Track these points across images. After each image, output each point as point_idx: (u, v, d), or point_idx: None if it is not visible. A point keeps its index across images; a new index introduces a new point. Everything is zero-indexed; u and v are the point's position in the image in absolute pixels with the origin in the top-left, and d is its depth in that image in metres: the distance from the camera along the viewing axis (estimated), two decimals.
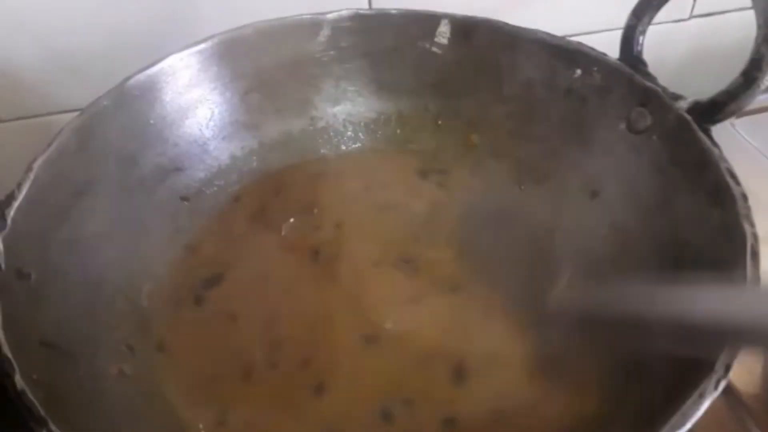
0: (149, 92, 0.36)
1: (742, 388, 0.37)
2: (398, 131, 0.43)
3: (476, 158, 0.41)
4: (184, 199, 0.38)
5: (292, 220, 0.38)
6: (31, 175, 0.30)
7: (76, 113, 0.34)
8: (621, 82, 0.35)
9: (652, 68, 0.53)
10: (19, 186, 0.29)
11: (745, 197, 0.27)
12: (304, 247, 0.37)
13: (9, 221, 0.28)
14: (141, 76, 0.36)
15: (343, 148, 0.43)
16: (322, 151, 0.42)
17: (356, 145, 0.43)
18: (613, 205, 0.35)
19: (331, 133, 0.43)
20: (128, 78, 0.36)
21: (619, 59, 0.35)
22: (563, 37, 0.37)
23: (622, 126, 0.35)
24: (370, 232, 0.37)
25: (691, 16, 0.58)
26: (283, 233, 0.37)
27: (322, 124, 0.43)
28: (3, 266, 0.26)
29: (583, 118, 0.37)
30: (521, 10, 0.48)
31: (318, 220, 0.38)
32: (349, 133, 0.43)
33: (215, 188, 0.40)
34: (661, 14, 0.57)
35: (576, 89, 0.37)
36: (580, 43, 0.37)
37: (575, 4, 0.51)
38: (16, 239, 0.27)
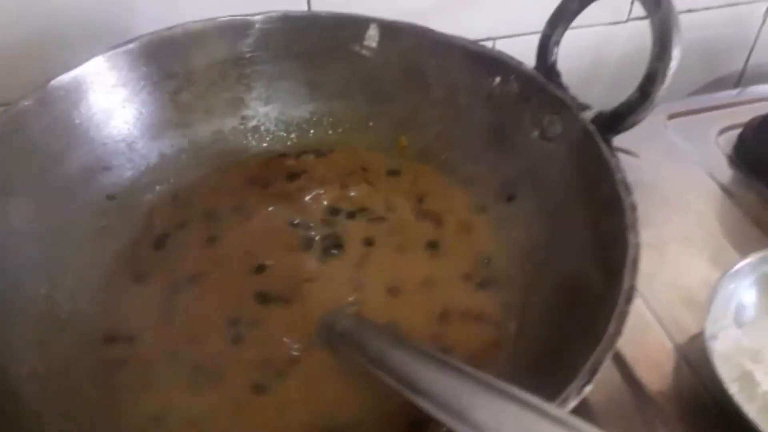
0: (74, 92, 0.37)
1: (651, 387, 0.39)
2: (330, 132, 0.43)
3: (404, 159, 0.42)
4: (110, 197, 0.39)
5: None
6: None
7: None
8: (535, 90, 0.36)
9: (592, 70, 0.54)
10: None
11: (633, 207, 0.29)
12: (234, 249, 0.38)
13: None
14: (66, 77, 0.36)
15: (275, 147, 0.43)
16: (253, 150, 0.43)
17: (288, 145, 0.43)
18: (525, 209, 0.37)
19: (263, 132, 0.43)
20: (51, 78, 0.36)
21: (535, 68, 0.37)
22: (484, 45, 0.39)
23: (536, 133, 0.36)
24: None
25: (629, 19, 0.59)
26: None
27: (254, 123, 0.43)
28: None
29: (502, 124, 0.38)
30: (450, 14, 0.49)
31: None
32: (282, 132, 0.43)
33: (143, 186, 0.40)
34: (599, 16, 0.59)
35: (495, 96, 0.38)
36: (499, 52, 0.38)
37: (500, 8, 0.52)
38: None
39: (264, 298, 0.35)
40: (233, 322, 0.34)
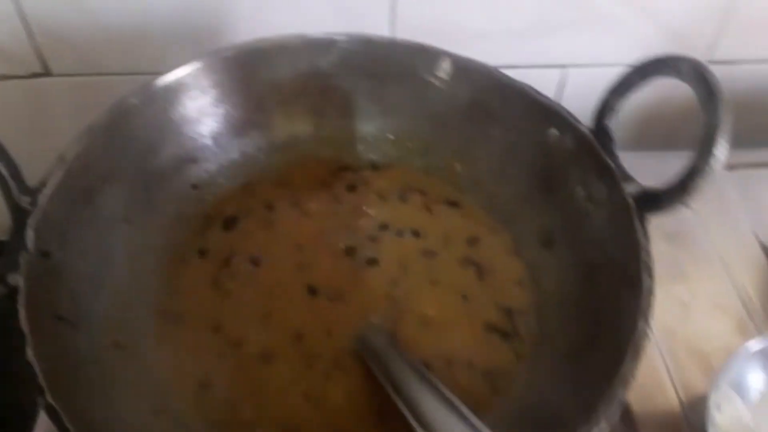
0: (174, 92, 0.41)
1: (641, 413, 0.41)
2: (393, 150, 0.47)
3: (456, 185, 0.46)
4: (194, 187, 0.44)
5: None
6: (63, 165, 0.35)
7: (122, 76, 0.40)
8: (587, 152, 0.38)
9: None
10: (51, 174, 0.35)
11: (650, 292, 0.31)
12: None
13: (40, 206, 0.33)
14: (169, 77, 0.41)
15: (343, 156, 0.47)
16: (322, 156, 0.47)
17: (354, 156, 0.47)
18: (560, 260, 0.40)
19: (333, 141, 0.47)
20: (156, 78, 0.40)
21: (591, 130, 0.39)
22: (547, 96, 0.41)
23: (582, 192, 0.39)
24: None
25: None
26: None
27: (326, 133, 0.47)
28: (31, 248, 0.32)
29: (552, 174, 0.41)
30: (527, 37, 0.51)
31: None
32: (349, 144, 0.47)
33: (222, 179, 0.45)
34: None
35: (550, 146, 0.41)
36: (560, 106, 0.40)
37: (576, 36, 0.54)
38: (44, 224, 0.33)
39: (313, 291, 0.40)
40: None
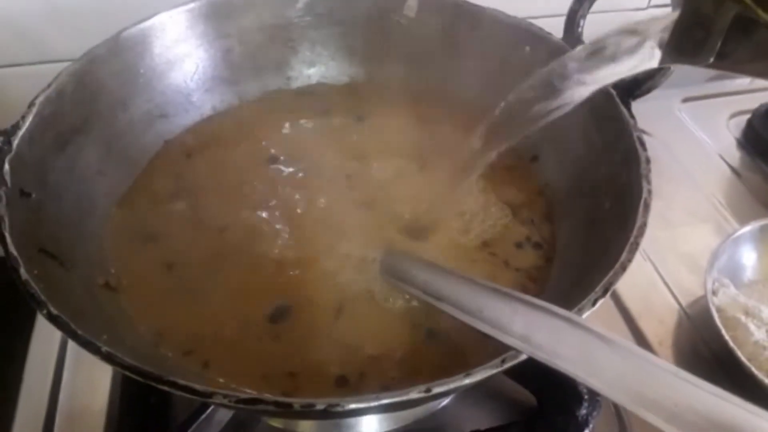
0: (141, 44, 0.40)
1: (653, 338, 0.42)
2: (367, 93, 0.47)
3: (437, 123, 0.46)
4: (167, 142, 0.42)
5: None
6: (34, 110, 0.34)
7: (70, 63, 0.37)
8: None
9: None
10: (23, 118, 0.33)
11: (648, 160, 0.32)
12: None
13: (14, 147, 0.32)
14: (134, 30, 0.40)
15: (315, 106, 0.47)
16: (295, 107, 0.46)
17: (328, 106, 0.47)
18: (548, 167, 0.40)
19: (305, 92, 0.47)
20: (123, 30, 0.39)
21: (563, 39, 0.40)
22: (516, 17, 0.42)
23: None
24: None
25: (649, 6, 0.62)
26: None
27: (297, 84, 0.47)
28: (9, 184, 0.30)
29: None
30: None
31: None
32: (323, 93, 0.47)
33: (196, 134, 0.44)
34: (622, 2, 0.62)
35: (526, 64, 0.41)
36: (530, 23, 0.41)
37: None
38: (19, 163, 0.32)
39: None
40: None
